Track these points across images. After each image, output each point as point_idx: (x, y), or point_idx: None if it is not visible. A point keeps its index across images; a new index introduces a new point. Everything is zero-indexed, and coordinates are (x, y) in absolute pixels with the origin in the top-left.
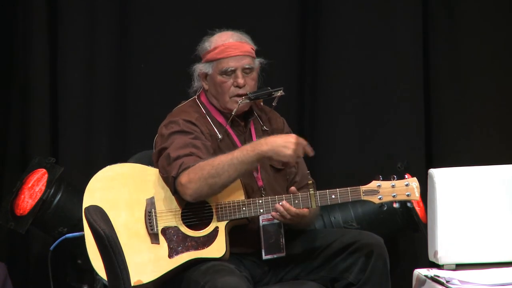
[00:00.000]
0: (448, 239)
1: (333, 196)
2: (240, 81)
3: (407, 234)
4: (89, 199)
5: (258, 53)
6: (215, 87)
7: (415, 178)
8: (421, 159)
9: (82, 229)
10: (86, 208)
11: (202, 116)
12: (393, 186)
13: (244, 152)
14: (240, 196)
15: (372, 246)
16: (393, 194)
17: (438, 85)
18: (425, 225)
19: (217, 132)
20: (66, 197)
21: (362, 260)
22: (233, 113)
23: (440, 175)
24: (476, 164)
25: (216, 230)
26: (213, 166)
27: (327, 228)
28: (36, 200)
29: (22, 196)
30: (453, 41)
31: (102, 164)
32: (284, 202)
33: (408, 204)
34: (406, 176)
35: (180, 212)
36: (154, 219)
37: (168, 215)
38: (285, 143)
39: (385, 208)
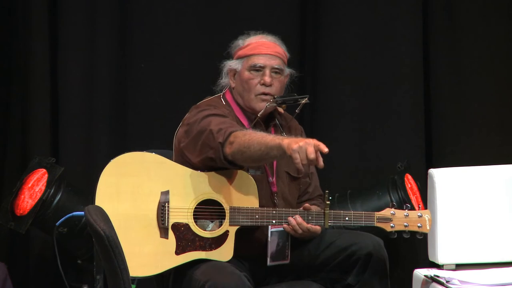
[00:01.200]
0: (448, 239)
1: (346, 218)
2: (267, 79)
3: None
4: (104, 182)
5: None
6: (241, 83)
7: (428, 211)
8: (421, 159)
9: (82, 228)
10: (86, 208)
11: (227, 113)
12: (406, 216)
13: (272, 137)
14: (254, 203)
15: (372, 247)
16: (405, 224)
17: (438, 85)
18: None
19: None
20: (66, 197)
21: (361, 261)
22: (258, 115)
23: (440, 175)
24: (476, 164)
25: (226, 234)
26: (250, 137)
27: (328, 229)
28: (36, 200)
29: (22, 196)
30: (453, 41)
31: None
32: (297, 216)
33: (418, 236)
34: (408, 181)
35: (192, 210)
36: (166, 213)
37: (181, 212)
38: (296, 141)
39: (394, 236)
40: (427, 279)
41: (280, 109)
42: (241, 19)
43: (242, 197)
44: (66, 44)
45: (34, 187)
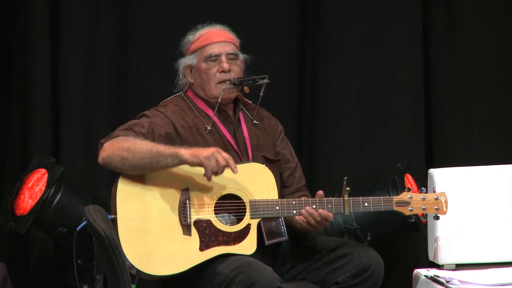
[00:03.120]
0: (448, 239)
1: (366, 204)
2: (225, 65)
3: (407, 234)
4: (124, 183)
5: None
6: (200, 75)
7: (444, 193)
8: (421, 159)
9: (82, 230)
10: (86, 208)
11: (184, 110)
12: (423, 199)
13: (166, 147)
14: (273, 195)
15: (373, 260)
16: (423, 207)
17: (438, 85)
18: (425, 225)
19: (205, 123)
20: (66, 197)
21: (359, 267)
22: (218, 100)
23: (440, 175)
24: (476, 164)
25: (248, 227)
26: (135, 143)
27: (329, 237)
28: (36, 200)
29: (22, 196)
30: (453, 41)
31: None
32: (307, 208)
33: (434, 219)
34: (408, 181)
35: (213, 205)
36: (188, 210)
37: (202, 208)
38: (205, 150)
39: (412, 220)
40: (427, 279)
41: (248, 101)
42: (241, 19)
43: (261, 189)
44: (66, 44)
45: (34, 187)
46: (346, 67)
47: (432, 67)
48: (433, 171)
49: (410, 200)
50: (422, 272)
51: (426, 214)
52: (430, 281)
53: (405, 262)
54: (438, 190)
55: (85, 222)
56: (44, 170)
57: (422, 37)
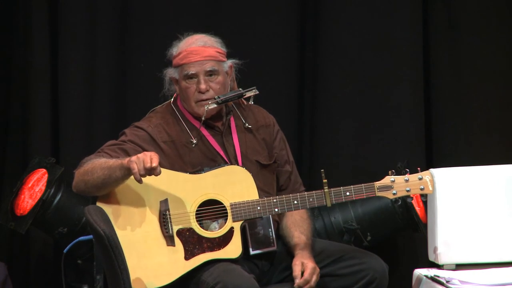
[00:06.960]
0: (448, 239)
1: (347, 193)
2: (202, 86)
3: (407, 234)
4: (103, 200)
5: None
6: (181, 92)
7: (428, 171)
8: (421, 159)
9: (82, 228)
10: (86, 208)
11: (169, 123)
12: (406, 181)
13: (116, 160)
14: (253, 196)
15: (379, 271)
16: (407, 189)
17: (438, 85)
18: (425, 225)
19: (191, 136)
20: (66, 197)
21: (365, 281)
22: (203, 118)
23: (440, 175)
24: (476, 164)
25: (231, 231)
26: (94, 164)
27: (331, 242)
28: (36, 200)
29: (22, 196)
30: (453, 40)
31: None
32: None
33: (422, 198)
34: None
35: (194, 213)
36: (169, 221)
37: (183, 217)
38: (144, 152)
39: (399, 203)
40: (427, 279)
41: (244, 101)
42: (241, 19)
43: (241, 191)
44: (66, 44)
45: (34, 187)
46: (346, 66)
47: (432, 67)
48: (433, 171)
49: (393, 184)
50: (422, 272)
51: (422, 195)
52: (430, 281)
53: (405, 262)
54: (438, 190)
55: (72, 243)
56: (44, 170)
57: (422, 37)
